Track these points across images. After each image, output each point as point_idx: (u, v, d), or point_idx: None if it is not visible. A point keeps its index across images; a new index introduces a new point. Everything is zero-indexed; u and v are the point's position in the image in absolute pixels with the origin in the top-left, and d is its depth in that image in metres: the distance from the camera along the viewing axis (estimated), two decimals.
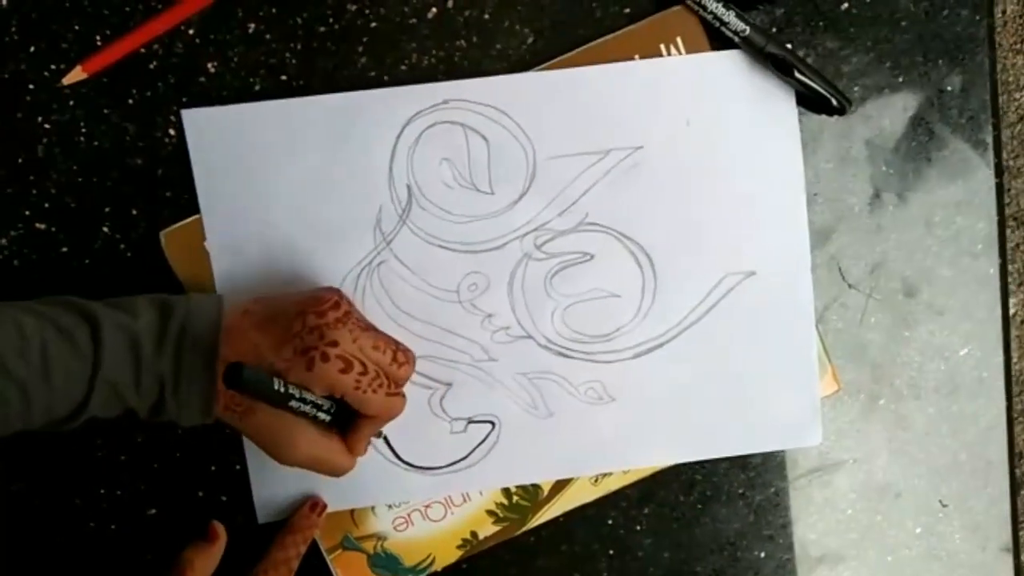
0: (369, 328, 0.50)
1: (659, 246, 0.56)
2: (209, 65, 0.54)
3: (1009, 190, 1.43)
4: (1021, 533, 0.63)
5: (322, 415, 0.48)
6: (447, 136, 0.55)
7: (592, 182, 0.55)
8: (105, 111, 0.54)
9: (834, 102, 0.55)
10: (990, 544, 0.61)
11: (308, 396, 0.47)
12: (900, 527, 0.60)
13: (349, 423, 0.50)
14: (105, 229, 0.55)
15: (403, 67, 0.55)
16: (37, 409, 0.45)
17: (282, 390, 0.46)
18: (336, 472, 0.50)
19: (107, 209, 0.55)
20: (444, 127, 0.55)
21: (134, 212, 0.55)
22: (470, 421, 0.56)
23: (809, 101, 0.55)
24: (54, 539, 0.57)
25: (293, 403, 0.46)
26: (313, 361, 0.46)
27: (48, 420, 0.46)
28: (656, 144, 0.55)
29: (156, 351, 0.46)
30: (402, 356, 0.50)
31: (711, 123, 0.55)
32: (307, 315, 0.48)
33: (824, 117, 0.56)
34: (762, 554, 0.60)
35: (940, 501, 0.60)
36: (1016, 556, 0.62)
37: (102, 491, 0.57)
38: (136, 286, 0.54)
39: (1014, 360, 1.32)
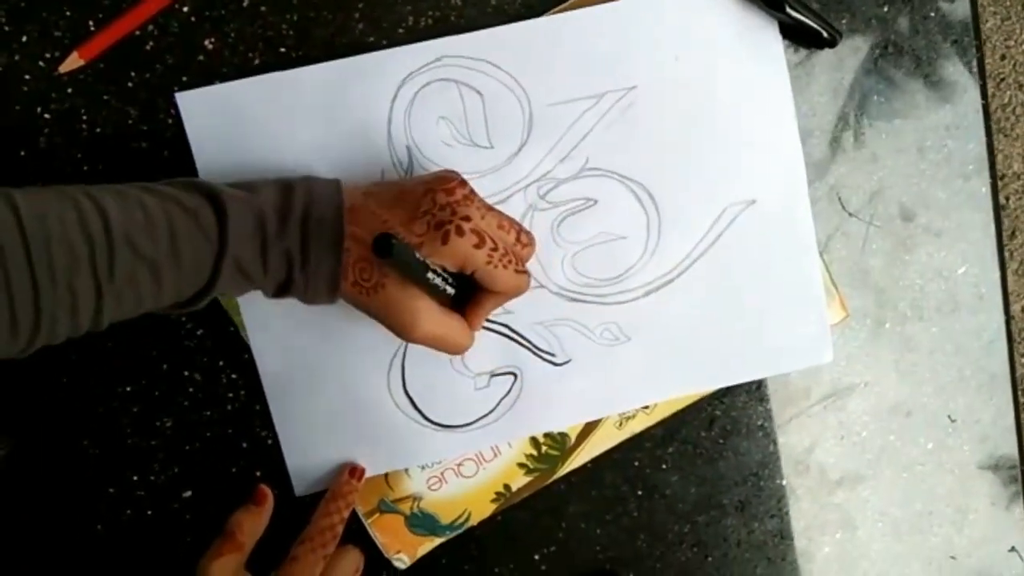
0: (493, 208, 0.50)
1: (660, 184, 0.57)
2: (207, 42, 0.54)
3: None
4: None
5: (449, 289, 0.49)
6: (442, 94, 0.55)
7: (589, 127, 0.56)
8: (105, 97, 0.54)
9: (824, 35, 0.56)
10: (998, 452, 0.63)
11: (441, 271, 0.48)
12: (913, 444, 0.63)
13: (466, 302, 0.51)
14: None
15: (400, 30, 0.55)
16: (167, 289, 0.45)
17: (423, 260, 0.46)
18: (457, 349, 0.51)
19: None
20: (438, 85, 0.55)
21: None
22: (493, 375, 0.57)
23: (800, 35, 0.56)
24: (92, 530, 0.57)
25: (430, 275, 0.47)
26: (448, 235, 0.47)
27: (175, 301, 0.47)
28: (648, 83, 0.56)
29: (281, 229, 0.47)
30: (525, 237, 0.51)
31: (699, 57, 0.56)
32: (436, 192, 0.48)
33: (816, 51, 0.57)
34: (784, 482, 0.62)
35: (949, 416, 0.63)
36: (1022, 462, 0.64)
37: (135, 478, 0.57)
38: None
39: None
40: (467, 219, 0.48)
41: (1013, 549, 0.64)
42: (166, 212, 0.44)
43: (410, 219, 0.48)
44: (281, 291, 0.49)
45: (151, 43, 0.53)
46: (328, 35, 0.54)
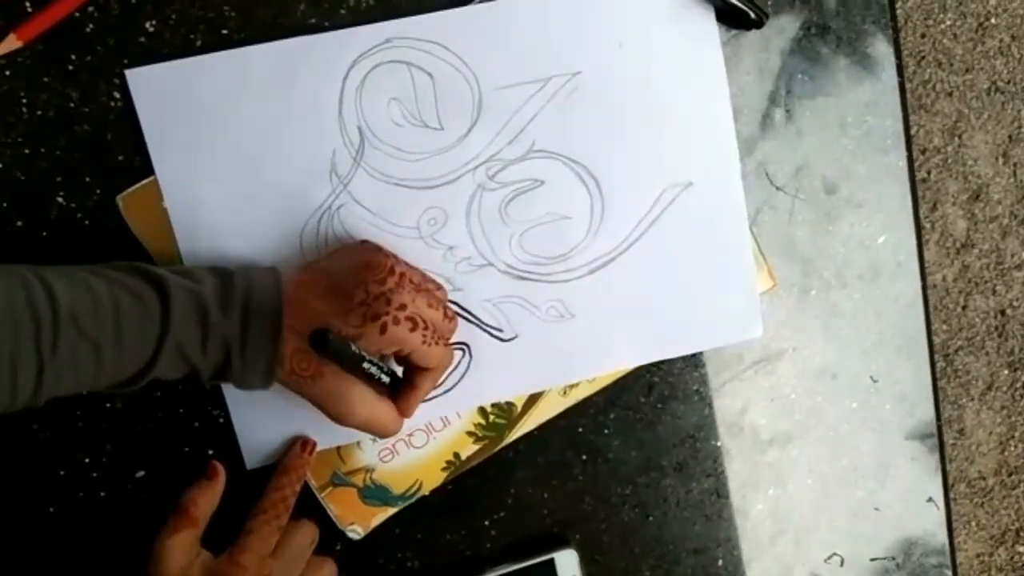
0: (420, 287, 0.53)
1: (603, 167, 0.59)
2: (147, 24, 0.54)
3: None
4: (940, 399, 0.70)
5: (384, 377, 0.52)
6: (393, 75, 0.56)
7: (536, 110, 0.58)
8: (45, 79, 0.53)
9: (752, 16, 0.58)
10: (917, 410, 0.67)
11: (376, 359, 0.51)
12: (838, 405, 0.66)
13: (399, 388, 0.54)
14: (60, 199, 0.54)
15: (343, 11, 0.56)
16: (107, 369, 0.46)
17: (359, 352, 0.49)
18: (385, 433, 0.54)
19: (59, 179, 0.54)
20: (389, 67, 0.56)
21: (87, 179, 0.55)
22: None
23: (729, 17, 0.59)
24: (45, 513, 0.57)
25: (366, 365, 0.49)
26: (386, 326, 0.49)
27: (114, 381, 0.48)
28: (592, 68, 0.58)
29: (223, 315, 0.48)
30: (449, 312, 0.55)
31: (641, 44, 0.58)
32: (369, 284, 0.50)
33: (743, 32, 0.60)
34: (719, 443, 0.65)
35: (871, 377, 0.66)
36: (938, 419, 0.69)
37: (87, 460, 0.57)
38: (98, 254, 0.55)
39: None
40: (402, 307, 0.50)
41: (931, 500, 0.68)
42: (112, 295, 0.46)
43: (346, 311, 0.50)
44: (217, 375, 0.50)
45: (91, 25, 0.53)
46: (270, 16, 0.55)
